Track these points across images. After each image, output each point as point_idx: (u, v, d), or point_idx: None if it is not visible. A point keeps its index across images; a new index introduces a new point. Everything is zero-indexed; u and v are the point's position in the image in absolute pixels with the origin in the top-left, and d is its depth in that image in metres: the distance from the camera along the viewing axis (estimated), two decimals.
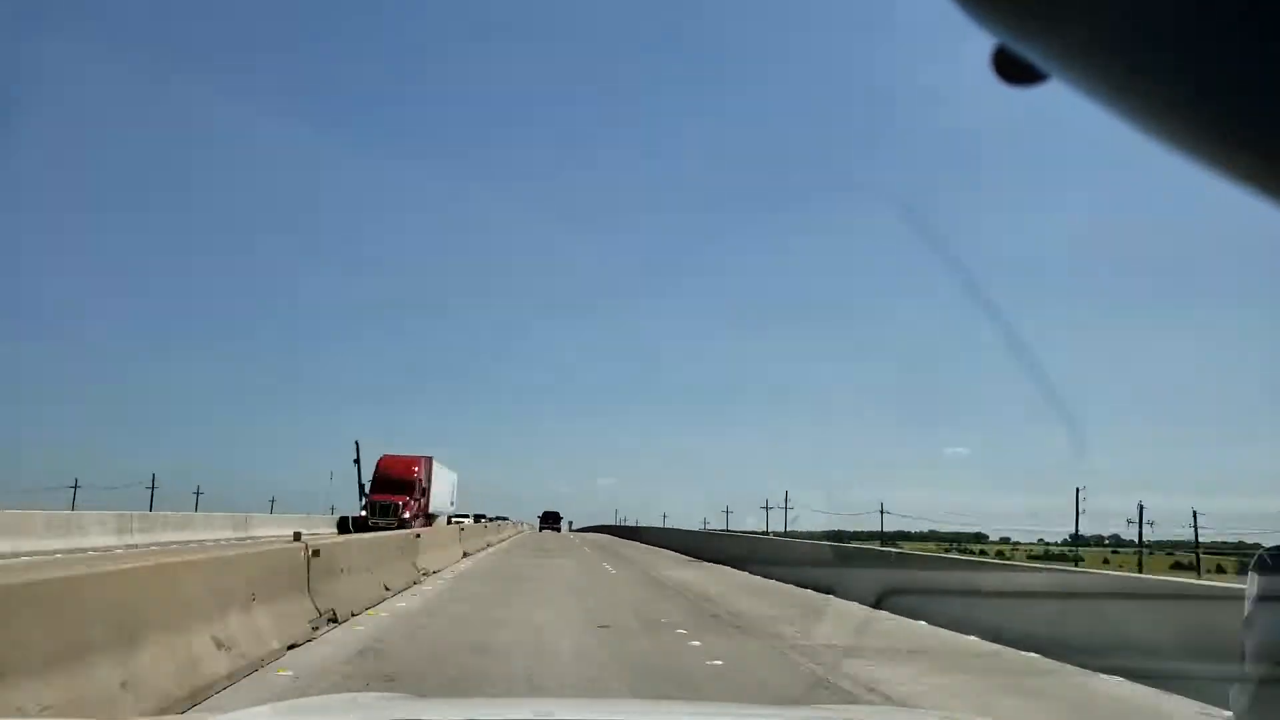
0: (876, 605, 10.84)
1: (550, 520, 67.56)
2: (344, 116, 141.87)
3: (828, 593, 13.15)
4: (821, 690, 6.52)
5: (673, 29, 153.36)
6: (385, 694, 3.20)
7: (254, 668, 5.98)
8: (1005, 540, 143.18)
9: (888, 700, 6.11)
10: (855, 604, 11.81)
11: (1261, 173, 0.55)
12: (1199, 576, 45.43)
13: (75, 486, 72.71)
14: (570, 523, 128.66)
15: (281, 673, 6.08)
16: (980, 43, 0.58)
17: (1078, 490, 66.41)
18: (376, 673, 6.21)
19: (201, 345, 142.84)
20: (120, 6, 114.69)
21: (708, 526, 51.66)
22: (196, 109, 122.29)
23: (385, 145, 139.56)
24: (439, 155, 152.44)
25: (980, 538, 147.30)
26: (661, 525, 50.00)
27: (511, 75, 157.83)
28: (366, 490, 34.04)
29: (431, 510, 35.28)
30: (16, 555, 15.03)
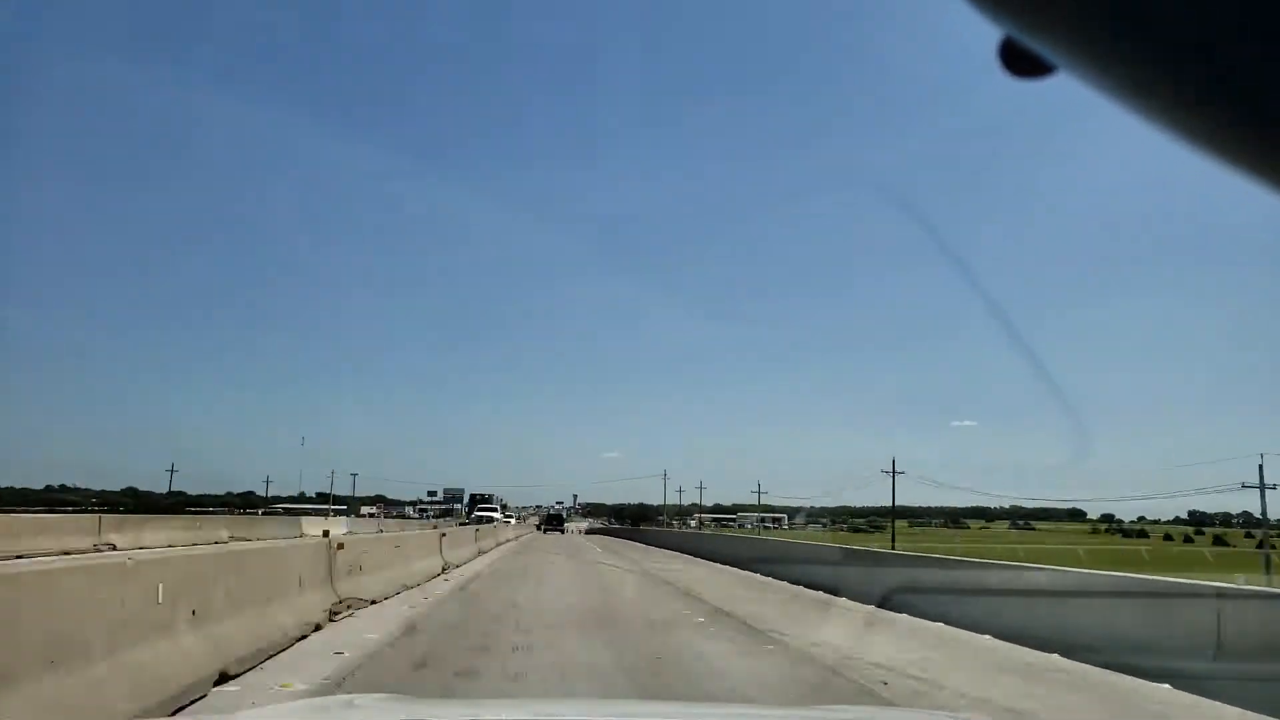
0: None
1: (554, 523, 68.53)
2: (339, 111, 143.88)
3: None
4: None
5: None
6: (383, 695, 3.13)
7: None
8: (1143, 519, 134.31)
9: None
10: None
11: (1270, 164, 0.54)
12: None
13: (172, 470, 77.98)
14: (576, 496, 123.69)
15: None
16: (987, 35, 0.58)
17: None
18: None
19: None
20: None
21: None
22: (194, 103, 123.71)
23: (383, 136, 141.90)
24: (436, 145, 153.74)
25: (1078, 514, 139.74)
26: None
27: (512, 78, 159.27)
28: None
29: None
30: None
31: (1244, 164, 0.54)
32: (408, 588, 12.48)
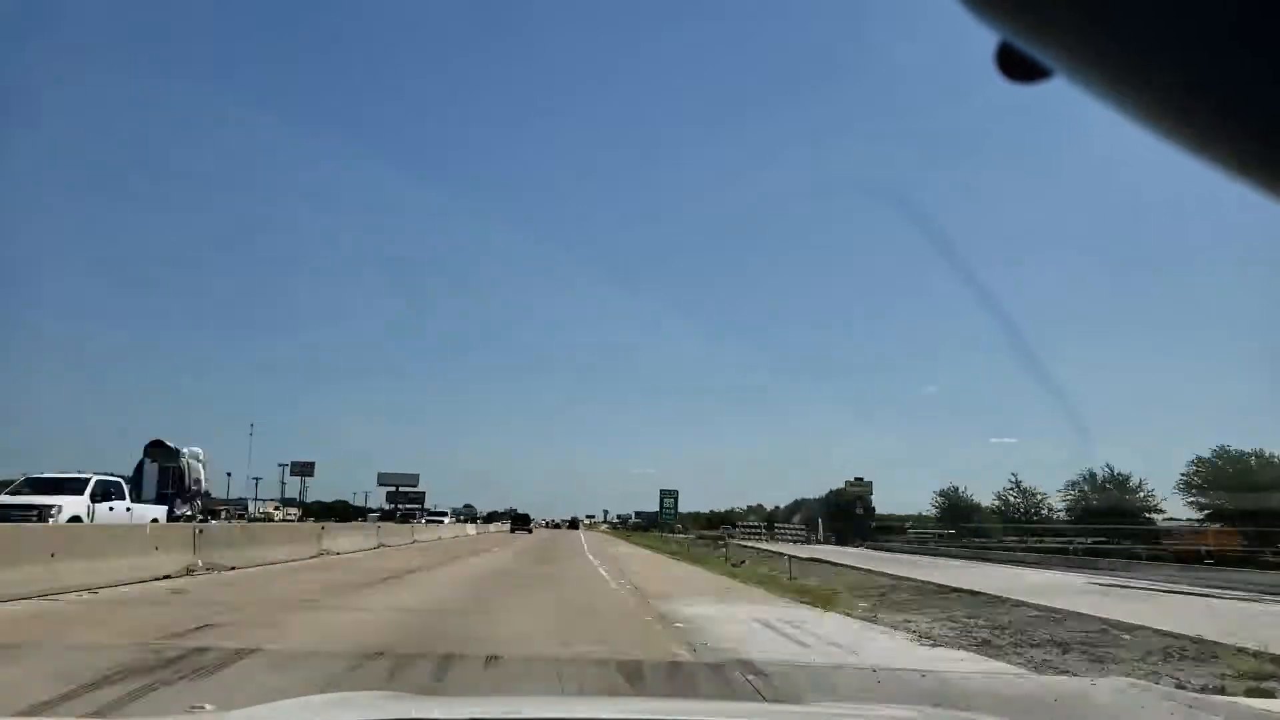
0: None
1: (520, 523, 70.22)
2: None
3: None
4: None
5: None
6: (383, 693, 3.19)
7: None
8: None
9: None
10: None
11: (1265, 168, 0.54)
12: None
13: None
14: (607, 512, 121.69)
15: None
16: (984, 40, 0.58)
17: None
18: None
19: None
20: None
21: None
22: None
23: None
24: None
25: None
26: None
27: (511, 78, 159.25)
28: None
29: None
30: None
31: (1240, 168, 0.55)
32: None
